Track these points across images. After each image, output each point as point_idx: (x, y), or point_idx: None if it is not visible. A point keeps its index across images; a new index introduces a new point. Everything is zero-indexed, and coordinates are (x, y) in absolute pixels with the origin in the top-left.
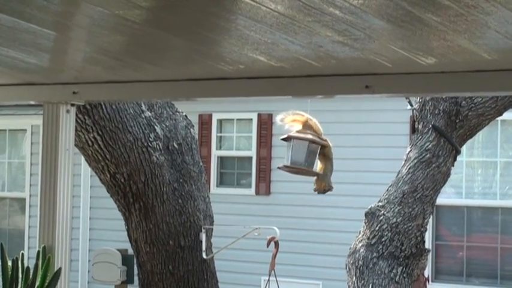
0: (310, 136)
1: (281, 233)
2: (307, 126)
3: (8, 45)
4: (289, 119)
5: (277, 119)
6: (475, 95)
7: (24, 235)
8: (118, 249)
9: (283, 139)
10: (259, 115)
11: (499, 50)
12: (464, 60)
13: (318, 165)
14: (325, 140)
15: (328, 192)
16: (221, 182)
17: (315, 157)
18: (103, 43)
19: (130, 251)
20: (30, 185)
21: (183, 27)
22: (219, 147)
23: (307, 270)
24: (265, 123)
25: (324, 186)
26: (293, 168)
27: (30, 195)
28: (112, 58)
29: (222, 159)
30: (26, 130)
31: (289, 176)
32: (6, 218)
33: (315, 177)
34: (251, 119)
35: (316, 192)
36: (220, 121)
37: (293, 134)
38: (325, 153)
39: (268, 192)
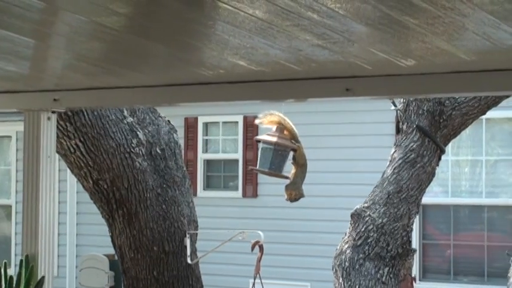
0: (275, 139)
1: (268, 235)
2: (280, 128)
3: None
4: (266, 121)
5: (256, 121)
6: (455, 95)
7: (10, 242)
8: (105, 255)
9: (256, 140)
10: (245, 117)
11: (477, 51)
12: (443, 61)
13: (292, 170)
14: (295, 144)
15: (314, 194)
16: (208, 185)
17: (284, 160)
18: (82, 50)
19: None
20: (16, 192)
21: (162, 34)
22: (205, 150)
23: (295, 272)
24: (251, 126)
25: (294, 194)
26: (260, 171)
27: (16, 202)
28: (92, 65)
29: (208, 162)
30: (11, 137)
31: (276, 178)
32: None
33: (285, 186)
34: (237, 122)
35: (288, 201)
36: (206, 124)
37: (262, 136)
38: (296, 158)
39: (255, 194)
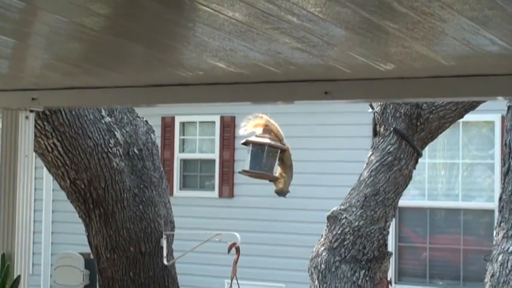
0: (268, 140)
1: (244, 236)
2: (267, 130)
3: None
4: (251, 125)
5: (240, 130)
6: (434, 100)
7: None
8: (81, 253)
9: (243, 143)
10: (221, 118)
11: (457, 56)
12: (422, 66)
13: (278, 170)
14: (284, 144)
15: (291, 195)
16: (184, 185)
17: (274, 161)
18: (61, 50)
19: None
20: None
21: (141, 34)
22: (182, 150)
23: (270, 273)
24: (228, 126)
25: (281, 188)
26: (252, 173)
27: None
28: (71, 65)
29: (185, 162)
30: None
31: (252, 179)
32: None
33: (275, 182)
34: (214, 122)
35: (277, 195)
36: (183, 124)
37: (252, 138)
38: (283, 159)
39: (231, 195)
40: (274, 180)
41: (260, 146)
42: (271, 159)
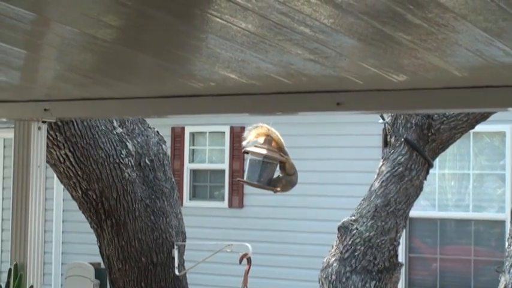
0: (265, 151)
1: (254, 246)
2: (268, 140)
3: None
4: (253, 135)
5: (243, 143)
6: (446, 111)
7: None
8: (91, 263)
9: (244, 152)
10: (231, 128)
11: (470, 67)
12: (435, 77)
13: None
14: (283, 156)
15: (301, 205)
16: (194, 195)
17: (272, 172)
18: (74, 61)
19: (103, 265)
20: (3, 199)
21: (153, 46)
22: (192, 160)
23: (281, 284)
24: (238, 136)
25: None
26: (248, 183)
27: (2, 209)
28: (83, 76)
29: (194, 172)
30: None
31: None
32: None
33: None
34: (223, 132)
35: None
36: (192, 134)
37: (250, 148)
38: (285, 169)
39: (241, 205)
40: (271, 190)
41: (258, 156)
42: (268, 170)
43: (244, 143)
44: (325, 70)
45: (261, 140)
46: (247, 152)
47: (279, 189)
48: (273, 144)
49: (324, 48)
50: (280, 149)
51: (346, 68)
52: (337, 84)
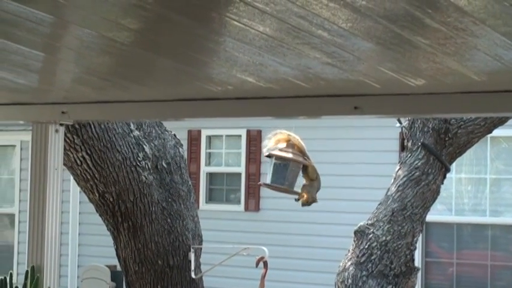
0: (290, 155)
1: (270, 250)
2: (290, 144)
3: None
4: (273, 141)
5: (263, 149)
6: (464, 116)
7: (13, 250)
8: (107, 265)
9: (266, 156)
10: (248, 131)
11: (488, 71)
12: (453, 81)
13: (303, 183)
14: (307, 160)
15: (317, 209)
16: (210, 198)
17: (296, 177)
18: (92, 64)
19: (120, 267)
20: (20, 201)
21: (171, 49)
22: (208, 163)
23: (297, 287)
24: (254, 139)
25: (307, 197)
26: (273, 187)
27: (19, 211)
28: (101, 78)
29: (211, 176)
30: (15, 146)
31: (280, 193)
32: None
33: (302, 185)
34: (240, 135)
35: (301, 204)
36: (209, 137)
37: (275, 151)
38: (308, 173)
39: (257, 208)
40: (294, 195)
41: (283, 160)
42: (293, 174)
43: (264, 150)
44: (343, 74)
45: (283, 144)
46: (270, 156)
47: (304, 195)
48: (295, 148)
49: (342, 52)
50: (303, 153)
51: (364, 72)
52: (355, 88)
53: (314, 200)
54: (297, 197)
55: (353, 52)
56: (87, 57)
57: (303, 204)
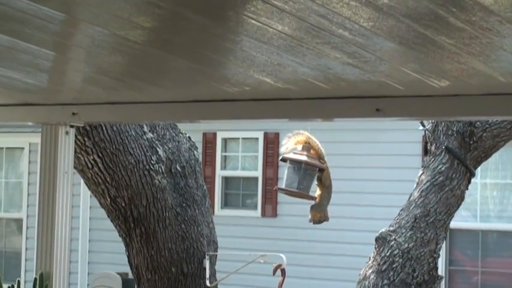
0: (305, 158)
1: (288, 257)
2: (306, 147)
3: (6, 65)
4: (292, 142)
5: (281, 149)
6: (490, 118)
7: (21, 257)
8: (118, 273)
9: (281, 159)
10: (265, 134)
11: None
12: (478, 83)
13: (316, 191)
14: (324, 163)
15: (338, 215)
16: (226, 204)
17: (312, 180)
18: (103, 63)
19: (131, 275)
20: (28, 206)
21: (186, 48)
22: (224, 167)
23: None
24: (272, 143)
25: (319, 217)
26: (287, 191)
27: (27, 216)
28: (113, 79)
29: (226, 180)
30: (23, 148)
31: (298, 198)
32: (2, 239)
33: (310, 207)
34: (257, 138)
35: (312, 223)
36: (225, 140)
37: (289, 155)
38: (322, 179)
39: (274, 214)
40: (309, 199)
41: (297, 164)
42: (309, 177)
43: (282, 150)
44: (365, 75)
45: (299, 147)
46: (285, 160)
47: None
48: (312, 151)
49: (364, 52)
50: (320, 156)
51: (386, 72)
52: (377, 89)
53: (326, 218)
54: (309, 216)
55: (375, 52)
56: (98, 56)
57: (315, 223)
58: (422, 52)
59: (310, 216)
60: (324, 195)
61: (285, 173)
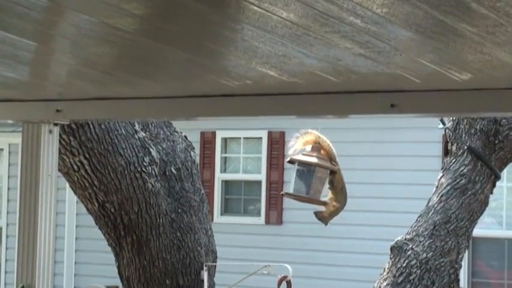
0: (315, 160)
1: (294, 268)
2: (316, 147)
3: None
4: (301, 143)
5: (290, 151)
6: None
7: (0, 269)
8: (108, 286)
9: (289, 161)
10: (269, 133)
11: None
12: (504, 75)
13: (328, 195)
14: (335, 165)
15: (349, 222)
16: (226, 210)
17: (323, 185)
18: (91, 55)
19: None
20: (8, 213)
21: (182, 38)
22: (224, 170)
23: None
24: (277, 143)
25: (327, 217)
26: (296, 197)
27: (7, 224)
28: (101, 72)
29: (227, 184)
30: (2, 149)
31: (304, 203)
32: None
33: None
34: (260, 138)
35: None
36: (225, 140)
37: (297, 156)
38: (334, 182)
39: (279, 221)
40: (320, 205)
41: (307, 166)
42: (319, 181)
43: (290, 152)
44: (378, 67)
45: (308, 148)
46: (292, 162)
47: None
48: (322, 152)
49: (377, 41)
50: (331, 158)
51: (401, 64)
52: (391, 83)
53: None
54: (323, 208)
55: (389, 42)
56: (85, 47)
57: (318, 219)
58: (441, 41)
59: (320, 214)
60: (338, 199)
61: (292, 176)
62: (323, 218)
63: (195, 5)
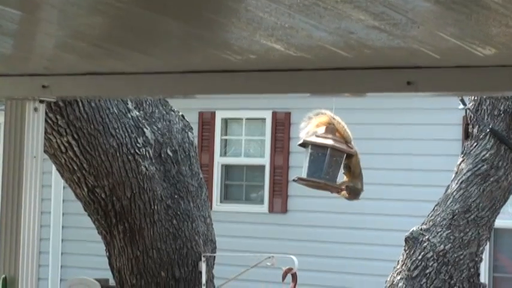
0: (331, 142)
1: (300, 260)
2: (330, 129)
3: None
4: (313, 124)
5: (301, 133)
6: None
7: None
8: (97, 279)
9: (300, 145)
10: (274, 114)
11: None
12: None
13: (344, 180)
14: (352, 148)
15: (359, 211)
16: (226, 197)
17: (338, 168)
18: (80, 26)
19: (113, 282)
20: None
21: (179, 8)
22: (224, 153)
23: None
24: (282, 124)
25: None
26: (310, 182)
27: None
28: (91, 45)
29: (227, 168)
30: None
31: (310, 190)
32: None
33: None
34: (264, 119)
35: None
36: (225, 120)
37: (311, 138)
38: (350, 166)
39: (284, 209)
40: (336, 191)
41: (321, 149)
42: (335, 165)
43: (301, 135)
44: (394, 41)
45: (322, 129)
46: (305, 145)
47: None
48: (337, 134)
49: (392, 12)
50: (346, 140)
51: (419, 38)
52: (408, 58)
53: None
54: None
55: (406, 13)
56: (74, 17)
57: (351, 199)
58: (463, 13)
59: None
60: (355, 182)
61: (305, 160)
62: (355, 197)
63: None
